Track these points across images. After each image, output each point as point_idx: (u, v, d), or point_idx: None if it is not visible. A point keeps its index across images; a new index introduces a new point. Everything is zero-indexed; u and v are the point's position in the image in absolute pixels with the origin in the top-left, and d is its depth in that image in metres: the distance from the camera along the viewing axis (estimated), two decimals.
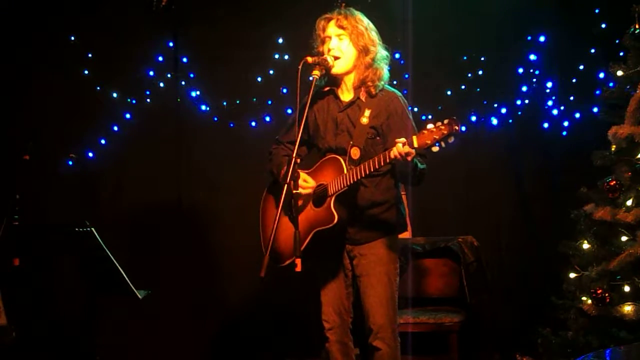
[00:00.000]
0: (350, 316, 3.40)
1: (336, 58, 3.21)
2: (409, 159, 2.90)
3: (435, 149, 2.82)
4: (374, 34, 3.27)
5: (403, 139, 2.88)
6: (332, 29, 3.23)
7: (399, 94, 3.32)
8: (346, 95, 3.33)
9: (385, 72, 3.28)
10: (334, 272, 3.36)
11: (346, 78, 3.29)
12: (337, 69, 3.23)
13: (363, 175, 3.05)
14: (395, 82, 3.47)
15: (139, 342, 4.78)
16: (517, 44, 4.87)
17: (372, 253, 3.25)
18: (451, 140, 2.80)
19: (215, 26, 4.96)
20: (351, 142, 3.22)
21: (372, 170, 3.03)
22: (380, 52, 3.27)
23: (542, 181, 4.92)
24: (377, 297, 3.23)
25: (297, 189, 3.11)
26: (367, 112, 3.22)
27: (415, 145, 2.84)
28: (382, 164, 2.98)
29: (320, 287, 3.39)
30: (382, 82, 3.27)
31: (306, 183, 3.22)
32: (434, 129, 2.81)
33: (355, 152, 3.20)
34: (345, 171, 3.13)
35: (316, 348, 4.10)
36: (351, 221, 3.23)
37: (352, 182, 3.09)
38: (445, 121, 2.80)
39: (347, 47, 3.22)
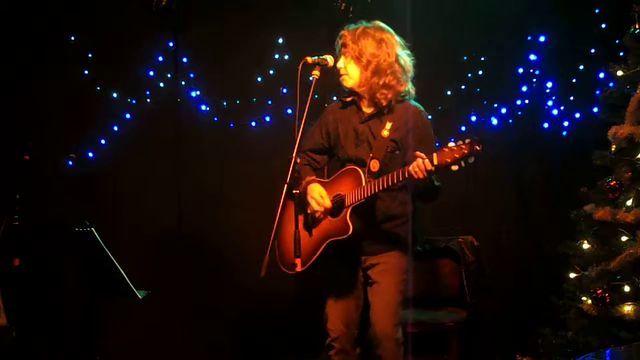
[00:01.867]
0: (357, 327, 3.38)
1: (342, 75, 3.25)
2: (427, 175, 2.87)
3: (455, 167, 2.79)
4: (380, 45, 3.21)
5: (423, 155, 2.86)
6: (340, 46, 3.26)
7: (422, 108, 3.31)
8: (367, 107, 3.32)
9: (394, 81, 3.22)
10: (346, 284, 3.35)
11: (361, 92, 3.29)
12: (346, 84, 3.27)
13: (381, 188, 3.04)
14: None
15: (139, 342, 4.77)
16: (517, 44, 4.86)
17: (384, 262, 3.25)
18: (471, 160, 2.76)
19: (215, 26, 4.95)
20: (371, 154, 3.21)
21: (390, 184, 3.02)
22: (389, 61, 3.21)
23: (542, 181, 4.92)
24: (383, 306, 3.23)
25: (298, 189, 3.12)
26: (388, 125, 3.22)
27: (435, 162, 2.82)
28: (401, 179, 2.96)
29: (330, 298, 3.37)
30: (394, 93, 3.22)
31: (322, 200, 3.21)
32: (455, 148, 2.78)
33: (374, 165, 3.18)
34: (363, 183, 3.12)
35: (316, 349, 4.11)
36: (366, 233, 3.22)
37: (369, 194, 3.08)
38: (467, 140, 2.76)
39: (350, 65, 3.24)
